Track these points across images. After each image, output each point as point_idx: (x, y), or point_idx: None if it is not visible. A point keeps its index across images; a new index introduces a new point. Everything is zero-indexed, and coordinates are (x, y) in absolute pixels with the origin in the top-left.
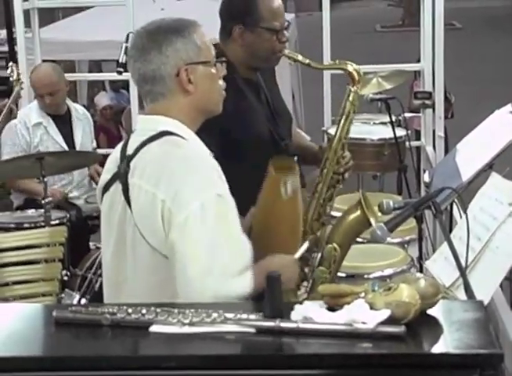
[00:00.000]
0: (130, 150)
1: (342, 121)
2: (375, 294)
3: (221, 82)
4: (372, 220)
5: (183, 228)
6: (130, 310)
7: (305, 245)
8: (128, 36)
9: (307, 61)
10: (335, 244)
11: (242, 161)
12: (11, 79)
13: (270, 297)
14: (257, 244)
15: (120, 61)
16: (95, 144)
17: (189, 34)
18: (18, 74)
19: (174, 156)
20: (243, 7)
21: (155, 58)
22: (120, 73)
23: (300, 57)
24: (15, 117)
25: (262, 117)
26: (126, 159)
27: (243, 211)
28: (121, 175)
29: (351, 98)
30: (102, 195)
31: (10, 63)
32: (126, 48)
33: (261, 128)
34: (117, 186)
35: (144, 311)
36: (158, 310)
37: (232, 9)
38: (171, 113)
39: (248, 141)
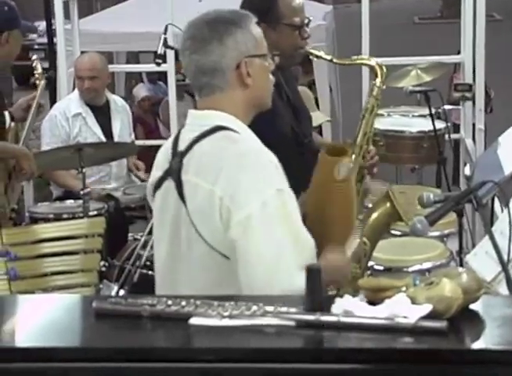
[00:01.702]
0: (182, 146)
1: (366, 116)
2: (416, 288)
3: (271, 76)
4: (401, 213)
5: (245, 226)
6: (170, 302)
7: (356, 242)
8: (166, 27)
9: (329, 57)
10: (364, 238)
11: None
12: (35, 72)
13: (310, 290)
14: (312, 228)
15: (158, 52)
16: (133, 136)
17: (247, 26)
18: (42, 68)
19: (232, 152)
20: (264, 5)
21: (216, 49)
22: (158, 64)
23: (322, 53)
24: (43, 112)
25: (284, 115)
26: (178, 155)
27: None
28: (174, 172)
29: (374, 93)
30: (154, 192)
31: (34, 57)
32: (165, 39)
33: (284, 127)
34: (170, 183)
35: (184, 303)
36: (198, 302)
37: (253, 7)
38: (226, 107)
39: (272, 139)
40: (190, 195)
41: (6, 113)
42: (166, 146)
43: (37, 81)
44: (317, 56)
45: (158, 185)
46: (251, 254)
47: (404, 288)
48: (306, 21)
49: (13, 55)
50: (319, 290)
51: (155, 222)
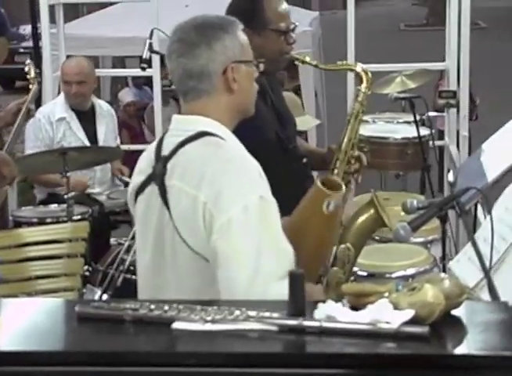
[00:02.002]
0: (166, 151)
1: (351, 121)
2: (399, 293)
3: (254, 83)
4: (386, 219)
5: (226, 231)
6: (152, 306)
7: (320, 290)
8: (152, 32)
9: (314, 62)
10: (348, 244)
11: None
12: (28, 77)
13: (293, 295)
14: None
15: (143, 57)
16: (119, 140)
17: (234, 32)
18: (35, 72)
19: (216, 157)
20: (250, 10)
21: (204, 53)
22: (144, 69)
23: (307, 59)
24: (33, 116)
25: (269, 121)
26: (162, 160)
27: None
28: (157, 177)
29: (360, 98)
30: (136, 197)
31: (27, 61)
32: (150, 44)
33: (268, 132)
34: (153, 188)
35: (166, 307)
36: (181, 307)
37: (239, 12)
38: (211, 112)
39: (256, 145)
40: (174, 200)
41: None
42: (148, 151)
43: (30, 86)
44: (302, 62)
45: (141, 190)
46: (230, 259)
47: (386, 294)
48: (292, 27)
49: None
50: (301, 295)
51: (137, 227)
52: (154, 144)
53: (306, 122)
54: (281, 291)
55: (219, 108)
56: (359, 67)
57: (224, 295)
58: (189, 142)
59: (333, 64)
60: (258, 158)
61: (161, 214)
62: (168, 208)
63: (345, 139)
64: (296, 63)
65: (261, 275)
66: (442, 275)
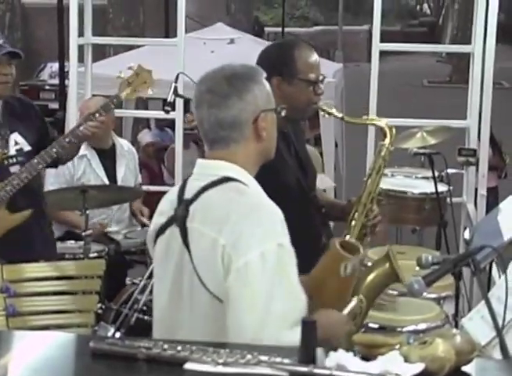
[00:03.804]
0: (188, 194)
1: (373, 175)
2: (410, 346)
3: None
4: (400, 274)
5: (241, 274)
6: (166, 346)
7: (353, 302)
8: (177, 76)
9: (340, 115)
10: (361, 296)
11: None
12: None
13: (305, 342)
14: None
15: (168, 100)
16: (140, 180)
17: (261, 81)
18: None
19: (239, 203)
20: (282, 59)
21: (236, 104)
22: (167, 112)
23: (334, 110)
24: None
25: (292, 168)
26: (185, 203)
27: None
28: (179, 219)
29: (382, 153)
30: (156, 238)
31: None
32: (175, 87)
33: (289, 178)
34: (174, 230)
35: (179, 348)
36: (193, 348)
37: (270, 60)
38: (238, 159)
39: (277, 189)
40: (194, 242)
41: None
42: (171, 194)
43: None
44: (329, 113)
45: (161, 231)
46: (243, 301)
47: (397, 346)
48: (321, 78)
49: None
50: (313, 342)
51: (156, 267)
52: (177, 187)
53: (322, 181)
54: (293, 338)
55: (247, 155)
56: (384, 122)
57: (232, 338)
58: (212, 186)
59: (359, 118)
60: (277, 202)
61: (181, 255)
62: (189, 250)
63: (365, 192)
64: (322, 113)
65: (271, 320)
66: (454, 330)
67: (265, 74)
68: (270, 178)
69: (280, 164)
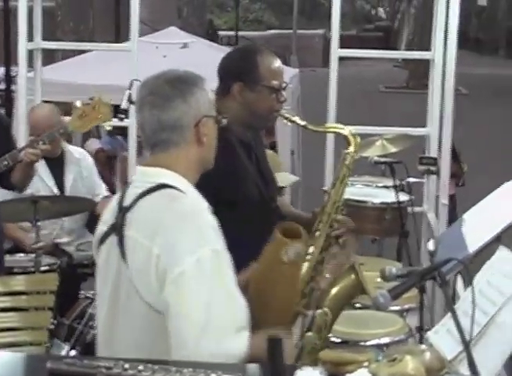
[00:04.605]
0: (127, 202)
1: (337, 185)
2: (379, 364)
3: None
4: (366, 286)
5: (178, 284)
6: (127, 366)
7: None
8: (131, 83)
9: (303, 123)
10: (326, 309)
11: (233, 221)
12: None
13: (271, 360)
14: (252, 302)
15: (122, 107)
16: (103, 190)
17: (204, 87)
18: None
19: (172, 210)
20: (244, 65)
21: (179, 106)
22: (121, 119)
23: (297, 118)
24: None
25: (253, 178)
26: (123, 210)
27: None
28: (118, 227)
29: (347, 161)
30: (99, 247)
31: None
32: (129, 94)
33: (251, 189)
34: (113, 239)
35: (141, 367)
36: (155, 367)
37: (232, 67)
38: (178, 164)
39: (239, 200)
40: (131, 251)
41: None
42: (113, 202)
43: None
44: (291, 121)
45: (103, 240)
46: (182, 313)
47: (366, 363)
48: (284, 85)
49: None
50: (279, 361)
51: (98, 277)
52: (118, 195)
53: (284, 179)
54: (235, 345)
55: (187, 160)
56: (347, 131)
57: (174, 349)
58: (147, 193)
59: (322, 126)
60: (240, 213)
61: (119, 265)
62: (125, 259)
63: (330, 202)
64: (284, 121)
65: (212, 329)
66: (423, 347)
67: (207, 82)
68: (233, 189)
69: (242, 173)
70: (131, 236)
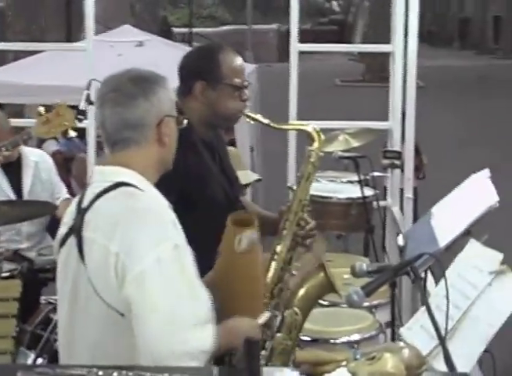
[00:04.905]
0: (85, 203)
1: (302, 182)
2: (358, 363)
3: None
4: (335, 284)
5: (140, 282)
6: (100, 373)
7: (268, 313)
8: (89, 83)
9: (266, 121)
10: (296, 309)
11: (197, 222)
12: None
13: (248, 362)
14: (216, 294)
15: (80, 108)
16: (64, 193)
17: (167, 87)
18: None
19: (129, 207)
20: (206, 63)
21: (142, 104)
22: (80, 120)
23: (259, 116)
24: None
25: (218, 178)
26: (81, 212)
27: (199, 268)
28: (76, 229)
29: (312, 159)
30: (59, 249)
31: None
32: (88, 95)
33: (216, 190)
34: (72, 240)
35: (115, 374)
36: (130, 374)
37: (194, 66)
38: (138, 163)
39: (204, 202)
40: (88, 251)
41: None
42: (73, 204)
43: None
44: (254, 119)
45: (63, 242)
46: (145, 311)
47: (344, 362)
48: (246, 83)
49: None
50: (256, 362)
51: (58, 279)
52: (78, 196)
53: (246, 176)
54: (202, 339)
55: (147, 159)
56: (311, 128)
57: (143, 349)
58: (104, 193)
59: (285, 124)
60: (204, 214)
61: (78, 266)
62: (83, 260)
63: (295, 200)
64: (247, 120)
65: (177, 326)
66: (401, 344)
67: (168, 81)
68: (196, 188)
69: (207, 174)
70: (88, 236)
